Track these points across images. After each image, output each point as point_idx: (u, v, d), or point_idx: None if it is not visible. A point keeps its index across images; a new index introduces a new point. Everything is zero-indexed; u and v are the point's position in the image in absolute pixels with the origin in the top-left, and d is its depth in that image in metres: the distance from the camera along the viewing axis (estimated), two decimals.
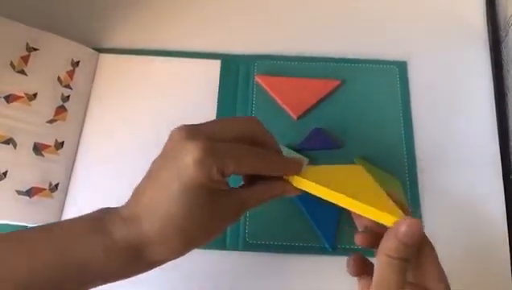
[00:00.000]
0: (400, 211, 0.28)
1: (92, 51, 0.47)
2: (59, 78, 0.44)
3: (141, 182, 0.29)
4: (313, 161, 0.42)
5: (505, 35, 0.48)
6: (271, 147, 0.31)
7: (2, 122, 0.40)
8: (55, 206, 0.41)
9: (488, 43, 0.49)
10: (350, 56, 0.48)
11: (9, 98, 0.41)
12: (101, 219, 0.28)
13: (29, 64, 0.43)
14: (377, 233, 0.28)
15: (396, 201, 0.29)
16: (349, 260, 0.30)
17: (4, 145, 0.40)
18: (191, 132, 0.27)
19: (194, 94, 0.46)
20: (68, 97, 0.44)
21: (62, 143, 0.43)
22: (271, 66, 0.47)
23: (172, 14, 0.50)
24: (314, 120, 0.44)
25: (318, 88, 0.45)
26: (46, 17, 0.48)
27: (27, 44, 0.43)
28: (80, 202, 0.42)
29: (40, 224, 0.39)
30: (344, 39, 0.49)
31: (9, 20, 0.43)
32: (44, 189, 0.41)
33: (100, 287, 0.28)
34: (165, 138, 0.29)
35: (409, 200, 0.41)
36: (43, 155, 0.42)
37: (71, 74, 0.45)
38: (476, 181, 0.42)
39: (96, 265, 0.27)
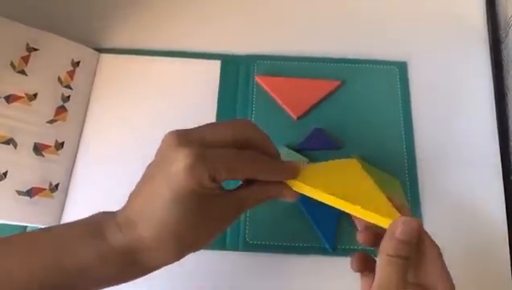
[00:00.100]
0: (396, 211, 0.28)
1: (93, 51, 0.47)
2: (59, 78, 0.44)
3: (136, 187, 0.29)
4: (313, 162, 0.42)
5: (506, 36, 0.48)
6: (267, 150, 0.30)
7: (3, 122, 0.40)
8: (55, 206, 0.41)
9: (488, 43, 0.49)
10: (350, 57, 0.48)
11: (9, 98, 0.41)
12: (98, 224, 0.28)
13: (29, 64, 0.43)
14: (378, 232, 0.28)
15: (394, 201, 0.29)
16: (353, 257, 0.30)
17: (4, 145, 0.40)
18: (182, 138, 0.27)
19: (194, 94, 0.46)
20: (69, 97, 0.45)
21: (62, 144, 0.43)
22: (271, 66, 0.47)
23: (172, 14, 0.50)
24: (314, 120, 0.44)
25: (318, 88, 0.45)
26: (46, 17, 0.48)
27: (28, 44, 0.43)
28: (80, 202, 0.42)
29: (40, 224, 0.40)
30: (344, 40, 0.49)
31: (9, 20, 0.43)
32: (44, 189, 0.41)
33: None
34: None
35: (409, 200, 0.41)
36: (43, 156, 0.42)
37: (71, 74, 0.45)
38: (477, 181, 0.42)
39: (93, 270, 0.27)
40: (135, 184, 0.29)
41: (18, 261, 0.27)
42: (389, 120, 0.45)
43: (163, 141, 0.28)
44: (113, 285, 0.28)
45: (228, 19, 0.50)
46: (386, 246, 0.26)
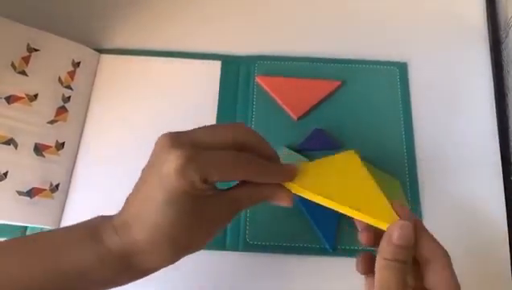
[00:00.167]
0: (394, 213, 0.28)
1: (93, 51, 0.48)
2: (59, 79, 0.44)
3: (132, 190, 0.29)
4: None
5: (506, 37, 0.48)
6: (264, 152, 0.30)
7: (3, 122, 0.40)
8: (55, 207, 0.41)
9: (488, 43, 0.49)
10: (350, 57, 0.48)
11: (10, 99, 0.41)
12: (95, 227, 0.28)
13: (30, 64, 0.43)
14: (378, 232, 0.28)
15: (393, 202, 0.29)
16: (358, 258, 0.30)
17: (5, 145, 0.40)
18: (175, 140, 0.27)
19: (194, 95, 0.46)
20: (69, 97, 0.45)
21: (63, 144, 0.43)
22: (272, 67, 0.47)
23: (173, 14, 0.50)
24: (314, 121, 0.44)
25: (318, 88, 0.45)
26: (46, 17, 0.48)
27: (28, 45, 0.43)
28: (80, 203, 0.42)
29: (41, 224, 0.40)
30: (344, 40, 0.49)
31: (9, 21, 0.43)
32: (45, 190, 0.41)
33: None
34: None
35: (409, 201, 0.41)
36: (43, 156, 0.42)
37: (72, 75, 0.45)
38: (477, 181, 0.42)
39: (91, 272, 0.27)
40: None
41: (19, 265, 0.27)
42: (389, 120, 0.45)
43: (157, 143, 0.28)
44: (110, 287, 0.28)
45: (228, 20, 0.50)
46: (384, 251, 0.26)
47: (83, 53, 0.47)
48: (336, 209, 0.29)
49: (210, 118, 0.45)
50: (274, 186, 0.30)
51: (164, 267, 0.29)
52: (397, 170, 0.42)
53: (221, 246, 0.40)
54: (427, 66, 0.47)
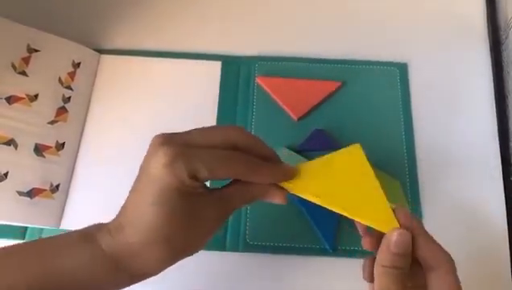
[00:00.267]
0: (394, 218, 0.27)
1: (93, 52, 0.48)
2: (60, 79, 0.44)
3: (129, 192, 0.29)
4: None
5: (506, 37, 0.48)
6: (261, 153, 0.29)
7: (3, 122, 0.40)
8: (56, 207, 0.41)
9: (488, 44, 0.49)
10: (351, 58, 0.48)
11: (10, 99, 0.41)
12: (91, 231, 0.29)
13: (30, 65, 0.43)
14: (381, 237, 0.28)
15: (394, 205, 0.29)
16: (364, 264, 0.30)
17: (5, 146, 0.40)
18: (166, 139, 0.27)
19: (195, 95, 0.46)
20: (69, 98, 0.45)
21: (63, 144, 0.43)
22: (272, 67, 0.47)
23: (173, 15, 0.51)
24: (314, 121, 0.44)
25: (319, 89, 0.45)
26: (47, 18, 0.48)
27: (28, 45, 0.43)
28: (81, 203, 0.42)
29: (41, 225, 0.40)
30: (344, 41, 0.49)
31: (10, 21, 0.43)
32: (45, 190, 0.41)
33: None
34: None
35: (409, 201, 0.41)
36: (44, 156, 0.42)
37: (72, 75, 0.45)
38: (477, 182, 0.42)
39: (84, 273, 0.27)
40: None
41: (19, 271, 0.27)
42: (389, 121, 0.45)
43: (150, 144, 0.28)
44: None
45: (228, 20, 0.50)
46: (382, 258, 0.27)
47: (83, 54, 0.47)
48: (333, 210, 0.29)
49: (210, 119, 0.45)
50: (266, 185, 0.30)
51: (160, 270, 0.28)
52: (397, 170, 0.42)
53: (221, 246, 0.40)
54: (427, 66, 0.47)
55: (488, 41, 0.49)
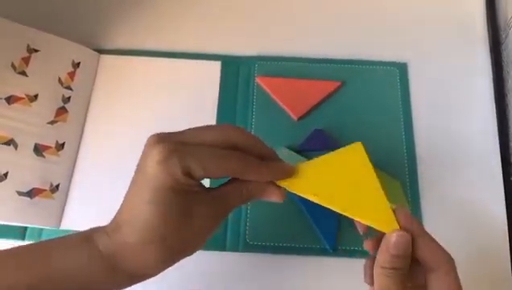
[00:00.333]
0: (394, 219, 0.27)
1: (93, 52, 0.48)
2: (59, 79, 0.44)
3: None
4: None
5: (506, 37, 0.48)
6: (258, 152, 0.29)
7: (3, 123, 0.40)
8: (55, 207, 0.41)
9: (488, 44, 0.49)
10: (350, 58, 0.48)
11: (10, 99, 0.41)
12: (89, 233, 0.29)
13: (30, 65, 0.43)
14: (381, 238, 0.28)
15: (394, 205, 0.29)
16: (366, 267, 0.30)
17: (5, 146, 0.40)
18: (160, 138, 0.27)
19: (195, 95, 0.46)
20: (69, 98, 0.45)
21: (63, 144, 0.43)
22: (272, 67, 0.47)
23: (173, 15, 0.51)
24: (314, 121, 0.44)
25: (318, 89, 0.45)
26: (47, 18, 0.48)
27: (28, 45, 0.43)
28: (81, 203, 0.42)
29: (41, 225, 0.40)
30: (344, 41, 0.49)
31: (10, 21, 0.43)
32: (45, 190, 0.41)
33: None
34: None
35: (409, 201, 0.41)
36: (43, 156, 0.42)
37: (72, 75, 0.45)
38: (476, 181, 0.42)
39: (83, 274, 0.27)
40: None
41: (19, 272, 0.27)
42: (389, 121, 0.45)
43: (145, 144, 0.28)
44: None
45: (228, 20, 0.50)
46: (382, 259, 0.27)
47: (83, 54, 0.47)
48: (333, 209, 0.29)
49: (210, 119, 0.45)
50: (263, 183, 0.30)
51: (159, 270, 0.28)
52: (397, 170, 0.42)
53: (221, 246, 0.40)
54: (427, 66, 0.47)
55: (488, 41, 0.49)
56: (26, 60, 0.43)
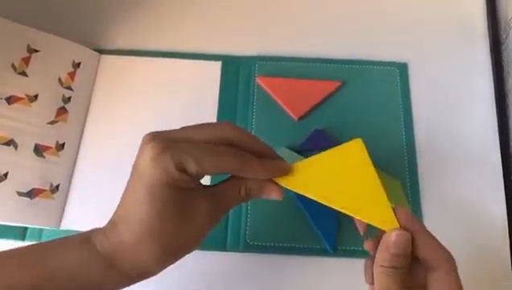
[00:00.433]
0: (394, 218, 0.27)
1: (94, 52, 0.48)
2: (60, 79, 0.44)
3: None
4: None
5: (506, 37, 0.48)
6: (256, 149, 0.29)
7: (3, 123, 0.40)
8: (55, 207, 0.41)
9: (488, 44, 0.49)
10: (351, 57, 0.48)
11: (10, 99, 0.41)
12: (87, 234, 0.29)
13: (30, 65, 0.43)
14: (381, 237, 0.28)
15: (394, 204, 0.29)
16: (366, 267, 0.29)
17: (5, 146, 0.40)
18: (154, 136, 0.27)
19: (195, 95, 0.46)
20: (69, 98, 0.45)
21: (63, 145, 0.43)
22: (272, 67, 0.47)
23: (173, 15, 0.51)
24: (315, 121, 0.44)
25: (319, 89, 0.45)
26: (47, 18, 0.48)
27: (28, 46, 0.43)
28: (81, 203, 0.42)
29: (41, 225, 0.40)
30: (344, 41, 0.49)
31: (10, 21, 0.43)
32: (45, 190, 0.41)
33: None
34: None
35: (409, 201, 0.41)
36: (43, 157, 0.42)
37: (72, 75, 0.45)
38: (477, 181, 0.42)
39: (82, 274, 0.27)
40: None
41: (19, 272, 0.27)
42: (389, 121, 0.45)
43: (140, 143, 0.28)
44: None
45: (228, 20, 0.50)
46: (381, 258, 0.27)
47: (83, 54, 0.47)
48: (332, 207, 0.28)
49: (210, 119, 0.45)
50: (264, 180, 0.29)
51: (157, 269, 0.28)
52: (397, 170, 0.42)
53: (222, 246, 0.40)
54: (427, 66, 0.47)
55: (488, 41, 0.49)
56: (26, 60, 0.43)
